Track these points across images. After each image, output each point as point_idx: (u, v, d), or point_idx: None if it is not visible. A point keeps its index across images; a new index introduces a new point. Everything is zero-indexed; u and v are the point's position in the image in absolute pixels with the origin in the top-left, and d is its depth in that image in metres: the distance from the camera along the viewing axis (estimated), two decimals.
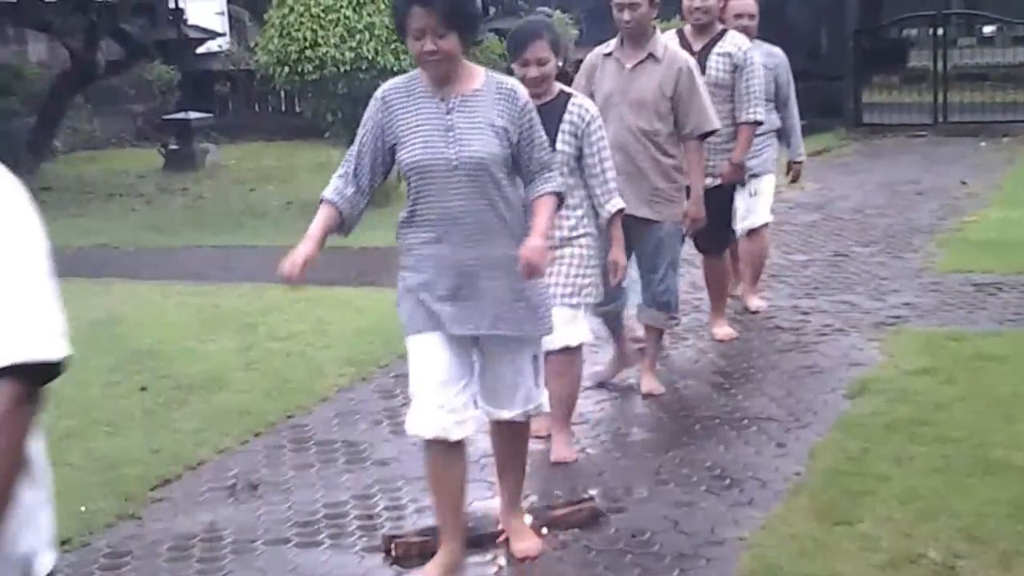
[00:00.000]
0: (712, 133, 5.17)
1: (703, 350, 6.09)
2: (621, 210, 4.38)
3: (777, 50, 6.65)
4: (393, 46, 10.75)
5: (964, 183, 11.47)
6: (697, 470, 4.46)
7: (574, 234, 4.39)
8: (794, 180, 7.13)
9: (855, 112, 16.57)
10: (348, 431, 5.12)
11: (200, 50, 19.01)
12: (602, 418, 5.13)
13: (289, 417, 5.32)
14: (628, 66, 5.06)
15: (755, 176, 6.45)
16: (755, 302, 6.74)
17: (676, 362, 5.89)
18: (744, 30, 6.21)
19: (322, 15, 10.77)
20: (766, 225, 6.70)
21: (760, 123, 5.88)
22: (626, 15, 5.04)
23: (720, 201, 5.82)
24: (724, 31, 5.85)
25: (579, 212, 4.38)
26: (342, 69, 10.64)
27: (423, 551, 3.83)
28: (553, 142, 4.09)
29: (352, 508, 4.27)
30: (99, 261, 9.46)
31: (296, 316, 7.03)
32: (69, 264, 9.25)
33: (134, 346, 6.53)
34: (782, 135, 6.75)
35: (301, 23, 10.76)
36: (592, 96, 4.96)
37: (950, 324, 6.34)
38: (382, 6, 10.79)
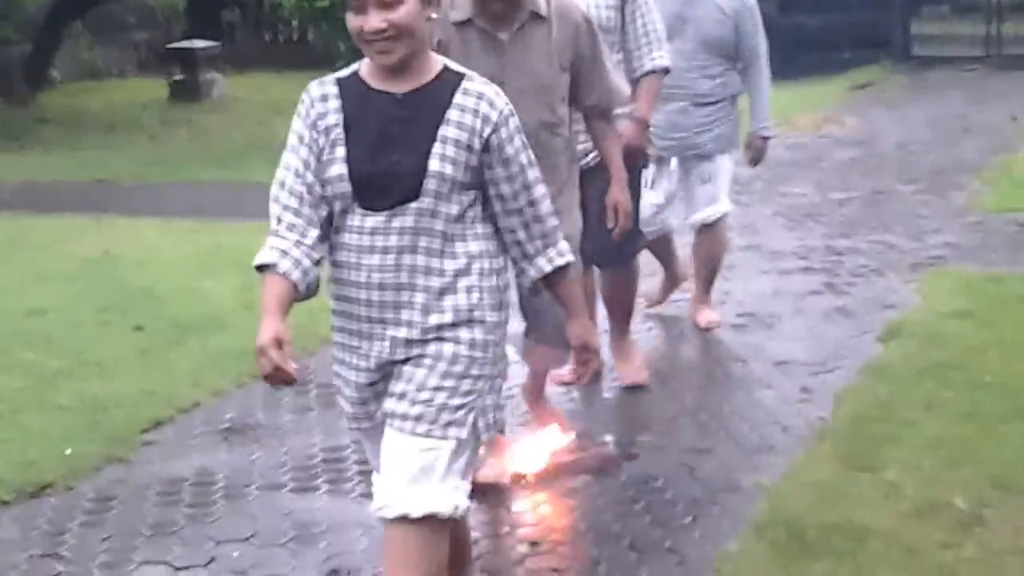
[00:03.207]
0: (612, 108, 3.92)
1: (730, 291, 6.06)
2: (565, 267, 2.78)
3: None
4: None
5: (1014, 119, 11.34)
6: (716, 415, 4.47)
7: (451, 320, 2.64)
8: (755, 161, 5.53)
9: (903, 44, 16.36)
10: None
11: None
12: None
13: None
14: (504, 36, 3.60)
15: (705, 157, 5.29)
16: (707, 315, 5.49)
17: None
18: None
19: None
20: (724, 217, 5.50)
21: (667, 70, 4.47)
22: None
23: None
24: None
25: (466, 281, 2.65)
26: None
27: None
28: (425, 155, 2.59)
29: (351, 452, 4.28)
30: (97, 196, 9.50)
31: None
32: (65, 199, 9.33)
33: (130, 285, 6.56)
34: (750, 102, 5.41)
35: None
36: None
37: (992, 265, 6.31)
38: None
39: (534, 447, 4.05)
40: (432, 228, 2.61)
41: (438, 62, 2.70)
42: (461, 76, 2.69)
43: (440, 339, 2.64)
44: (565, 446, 4.12)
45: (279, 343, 2.54)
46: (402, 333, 2.65)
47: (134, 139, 12.67)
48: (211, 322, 5.83)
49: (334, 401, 4.80)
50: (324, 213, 2.67)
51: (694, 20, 5.17)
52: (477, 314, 2.65)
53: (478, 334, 2.65)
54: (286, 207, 2.66)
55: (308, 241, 2.63)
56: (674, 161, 5.35)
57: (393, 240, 2.61)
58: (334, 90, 2.71)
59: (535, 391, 4.30)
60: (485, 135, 2.62)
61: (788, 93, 13.59)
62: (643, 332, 5.45)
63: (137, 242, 7.67)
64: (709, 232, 5.47)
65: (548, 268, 2.75)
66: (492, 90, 2.67)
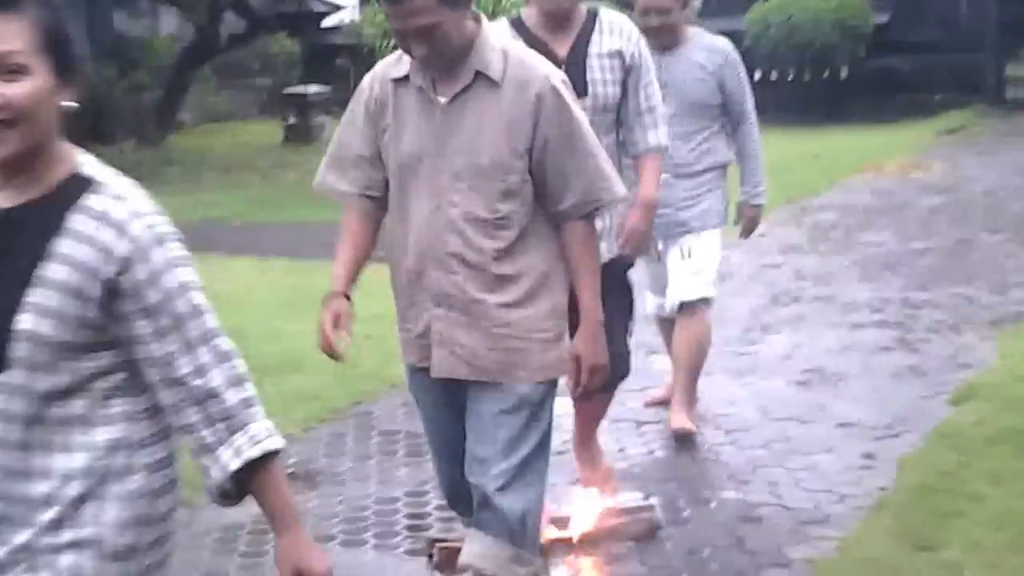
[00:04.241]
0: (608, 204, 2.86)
1: (798, 344, 5.67)
2: (264, 459, 1.81)
3: (721, 42, 4.44)
4: (501, 18, 10.51)
5: None
6: (771, 481, 4.10)
7: (55, 541, 1.75)
8: (748, 231, 4.66)
9: (996, 87, 15.63)
10: (412, 421, 4.86)
11: (327, 23, 19.11)
12: None
13: (356, 404, 5.12)
14: (443, 100, 2.72)
15: (689, 232, 4.39)
16: (681, 419, 4.45)
17: (764, 357, 5.50)
18: (657, 31, 4.23)
19: None
20: (706, 302, 4.48)
21: (665, 148, 3.66)
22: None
23: (612, 289, 3.29)
24: (595, 15, 3.50)
25: (79, 486, 1.74)
26: None
27: None
28: (12, 308, 1.69)
29: (403, 505, 4.07)
30: (207, 235, 9.44)
31: (380, 297, 6.76)
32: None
33: (222, 324, 6.41)
34: (739, 165, 4.55)
35: None
36: (378, 162, 2.85)
37: None
38: None
39: (578, 509, 3.73)
40: (25, 412, 1.69)
41: (70, 163, 1.74)
42: (89, 184, 1.71)
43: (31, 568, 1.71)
44: (610, 509, 3.80)
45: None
46: None
47: (248, 180, 12.70)
48: (289, 364, 5.64)
49: (394, 449, 4.64)
50: None
51: (672, 81, 4.27)
52: (89, 533, 1.71)
53: (88, 561, 1.71)
54: None
55: None
56: (660, 243, 4.38)
57: None
58: None
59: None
60: (108, 276, 1.68)
61: (875, 137, 13.09)
62: (703, 384, 5.08)
63: (235, 281, 7.57)
64: (689, 318, 4.44)
65: (234, 465, 1.75)
66: (129, 204, 1.71)
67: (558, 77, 2.74)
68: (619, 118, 3.56)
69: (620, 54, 3.46)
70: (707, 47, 4.39)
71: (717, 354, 5.46)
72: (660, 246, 4.40)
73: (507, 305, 2.76)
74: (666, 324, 4.73)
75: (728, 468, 4.23)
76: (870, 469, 4.15)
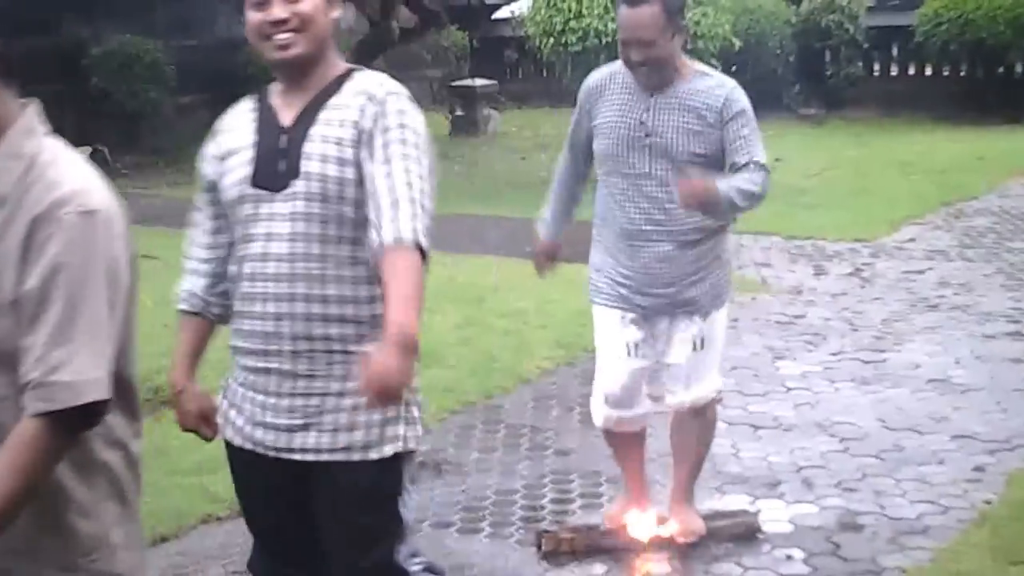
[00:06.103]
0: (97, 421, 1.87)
1: (929, 354, 5.69)
2: None
3: (718, 81, 3.54)
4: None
5: None
6: (878, 490, 4.19)
7: None
8: (684, 198, 3.50)
9: None
10: (539, 416, 5.15)
11: (498, 15, 19.56)
12: (795, 422, 4.90)
13: (488, 398, 5.38)
14: None
15: (699, 314, 3.63)
16: (689, 522, 3.86)
17: (891, 366, 5.53)
18: (641, 68, 3.47)
19: None
20: (715, 398, 3.83)
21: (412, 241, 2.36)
22: None
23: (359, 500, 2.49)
24: (347, 75, 2.47)
25: None
26: (604, 41, 10.63)
27: (572, 547, 3.84)
28: None
29: (520, 497, 4.30)
30: None
31: (524, 292, 7.06)
32: None
33: None
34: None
35: None
36: None
37: None
38: None
39: (678, 510, 3.93)
40: None
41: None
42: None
43: None
44: (712, 511, 3.99)
45: None
46: None
47: None
48: (428, 356, 5.84)
49: (518, 442, 4.89)
50: None
51: (661, 131, 3.51)
52: None
53: None
54: None
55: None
56: (662, 323, 3.68)
57: None
58: None
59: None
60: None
61: None
62: (825, 391, 5.16)
63: None
64: (696, 413, 3.78)
65: None
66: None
67: (82, 203, 1.80)
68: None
69: (356, 125, 2.39)
70: (704, 89, 3.51)
71: (844, 361, 5.56)
72: (665, 326, 3.67)
73: None
74: (620, 439, 3.92)
75: (837, 476, 4.34)
76: (978, 482, 4.20)
